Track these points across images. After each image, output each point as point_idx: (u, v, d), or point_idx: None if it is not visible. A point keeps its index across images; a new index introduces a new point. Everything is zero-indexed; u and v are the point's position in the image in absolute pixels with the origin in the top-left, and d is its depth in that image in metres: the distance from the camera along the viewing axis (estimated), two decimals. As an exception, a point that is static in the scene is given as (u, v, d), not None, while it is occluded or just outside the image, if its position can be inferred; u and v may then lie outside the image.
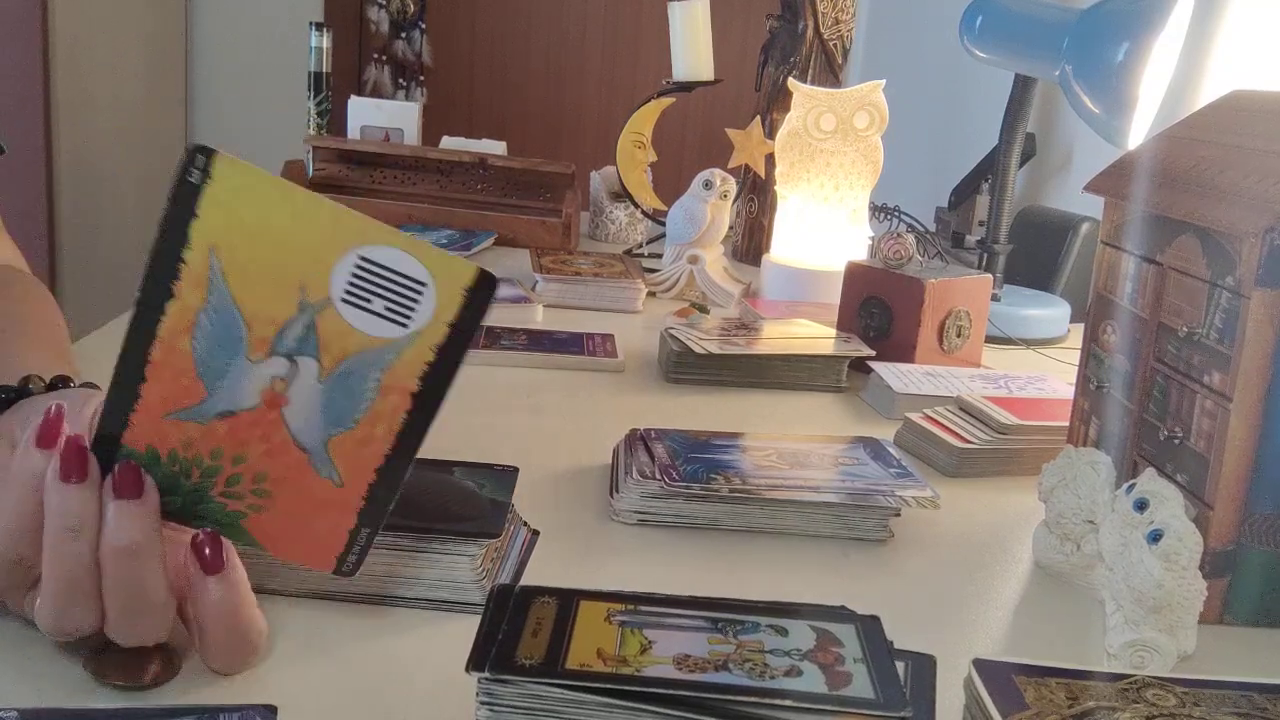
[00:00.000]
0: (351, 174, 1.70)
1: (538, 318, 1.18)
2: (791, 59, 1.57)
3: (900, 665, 0.45)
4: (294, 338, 0.44)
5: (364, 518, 0.46)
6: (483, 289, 0.43)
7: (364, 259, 0.43)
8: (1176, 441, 0.62)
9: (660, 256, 1.43)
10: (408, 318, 0.44)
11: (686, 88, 1.52)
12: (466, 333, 0.44)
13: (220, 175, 0.42)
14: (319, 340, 0.44)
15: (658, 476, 0.66)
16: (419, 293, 0.43)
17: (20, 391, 0.52)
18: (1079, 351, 0.75)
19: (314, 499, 0.46)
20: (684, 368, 0.99)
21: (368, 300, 0.43)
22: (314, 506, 0.46)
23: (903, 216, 1.47)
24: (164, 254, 0.43)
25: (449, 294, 0.43)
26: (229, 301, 0.43)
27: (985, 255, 1.29)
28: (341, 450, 0.45)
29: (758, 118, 1.57)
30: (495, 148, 1.76)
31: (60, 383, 0.53)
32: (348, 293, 0.43)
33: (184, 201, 0.43)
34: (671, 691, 0.40)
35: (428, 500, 0.57)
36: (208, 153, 0.42)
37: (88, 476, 0.44)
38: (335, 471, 0.46)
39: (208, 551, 0.45)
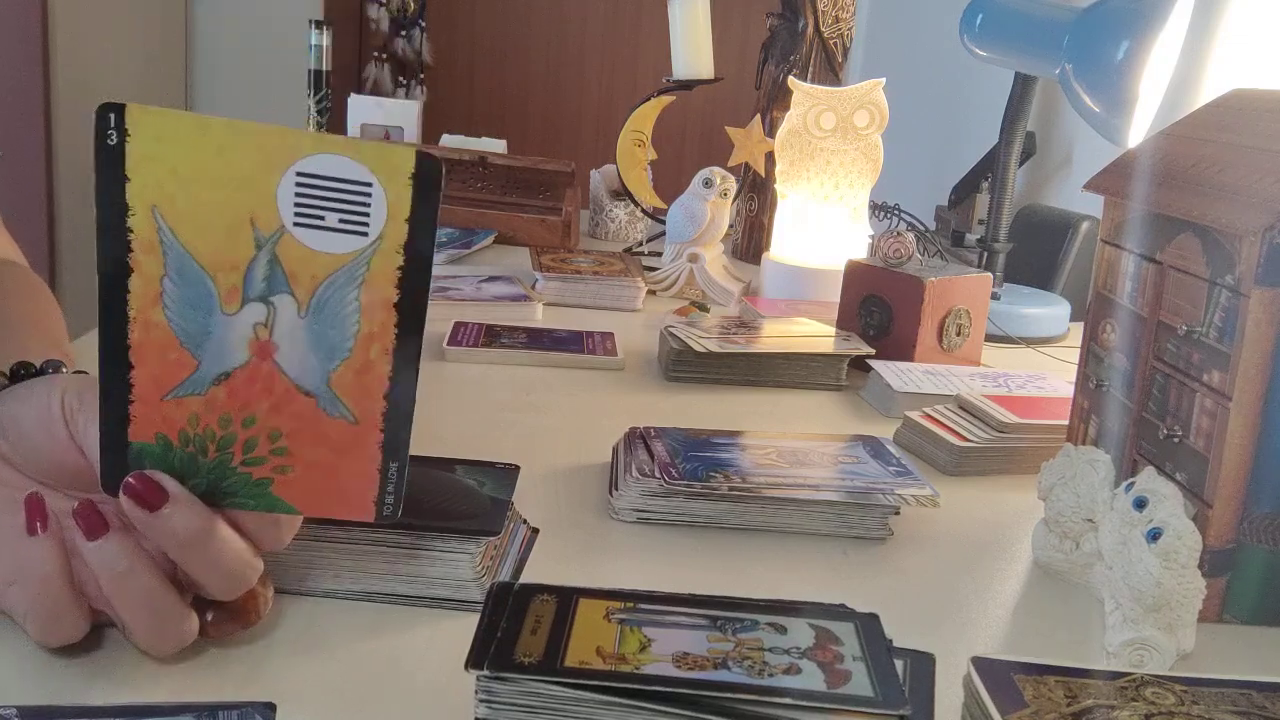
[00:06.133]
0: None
1: (537, 316, 1.18)
2: (792, 57, 1.57)
3: (899, 663, 0.45)
4: (261, 278, 0.42)
5: (388, 452, 0.45)
6: (427, 172, 0.42)
7: (303, 174, 0.41)
8: (1176, 440, 0.62)
9: (660, 255, 1.43)
10: (364, 223, 0.42)
11: (686, 86, 1.52)
12: (428, 222, 0.42)
13: (137, 128, 0.41)
14: (286, 273, 0.42)
15: (657, 475, 0.66)
16: (367, 194, 0.42)
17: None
18: (1079, 350, 0.75)
19: (333, 444, 0.45)
20: (684, 366, 0.99)
21: (320, 216, 0.42)
22: (336, 452, 0.45)
23: (903, 215, 1.48)
24: (109, 229, 0.42)
25: (396, 188, 0.42)
26: (186, 258, 0.42)
27: (985, 254, 1.29)
28: (344, 384, 0.44)
29: (758, 116, 1.57)
30: (495, 146, 1.76)
31: (22, 370, 0.51)
32: (298, 214, 0.42)
33: (111, 167, 0.41)
34: (670, 689, 0.40)
35: (428, 498, 0.57)
36: (118, 109, 0.40)
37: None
38: (345, 409, 0.44)
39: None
